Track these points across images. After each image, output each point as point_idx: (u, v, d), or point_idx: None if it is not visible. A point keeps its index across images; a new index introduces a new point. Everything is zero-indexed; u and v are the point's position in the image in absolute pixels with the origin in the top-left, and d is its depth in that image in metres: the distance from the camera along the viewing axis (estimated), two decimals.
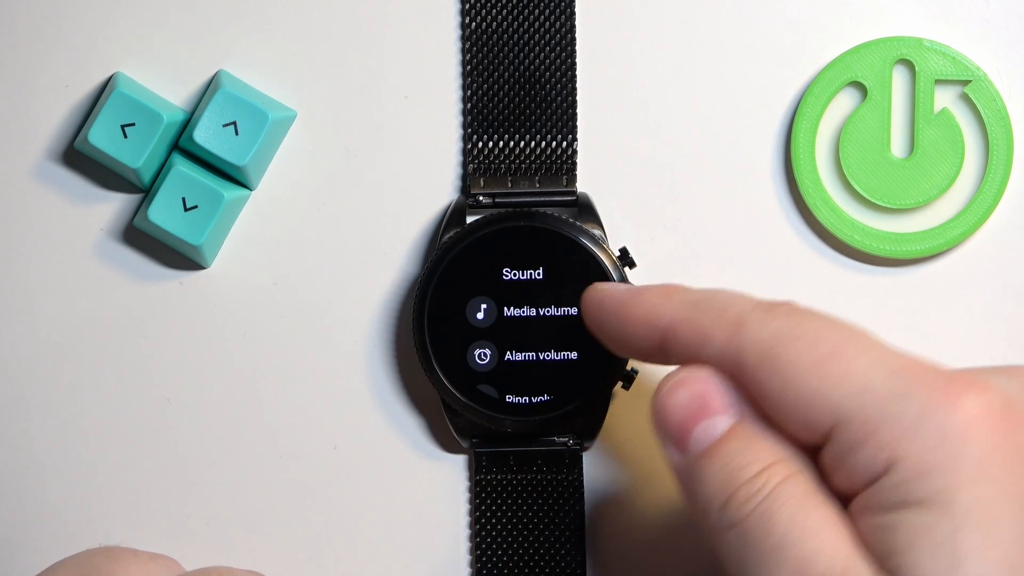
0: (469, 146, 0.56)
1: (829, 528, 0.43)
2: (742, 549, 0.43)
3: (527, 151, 0.56)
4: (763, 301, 0.46)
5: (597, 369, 0.54)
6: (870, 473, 0.42)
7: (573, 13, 0.56)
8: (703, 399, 0.45)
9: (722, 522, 0.44)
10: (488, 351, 0.55)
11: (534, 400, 0.54)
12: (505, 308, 0.54)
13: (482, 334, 0.54)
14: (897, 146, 0.56)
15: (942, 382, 0.43)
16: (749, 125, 0.57)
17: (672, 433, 0.46)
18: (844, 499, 0.44)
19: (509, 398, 0.54)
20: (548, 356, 0.54)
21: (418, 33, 0.57)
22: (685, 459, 0.46)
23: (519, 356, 0.55)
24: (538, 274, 0.54)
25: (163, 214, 0.55)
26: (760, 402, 0.45)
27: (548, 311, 0.54)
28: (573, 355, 0.54)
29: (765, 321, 0.45)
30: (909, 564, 0.41)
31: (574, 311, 0.54)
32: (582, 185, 0.57)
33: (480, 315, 0.54)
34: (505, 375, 0.54)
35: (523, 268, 0.54)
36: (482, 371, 0.54)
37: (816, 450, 0.44)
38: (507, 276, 0.54)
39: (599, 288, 0.50)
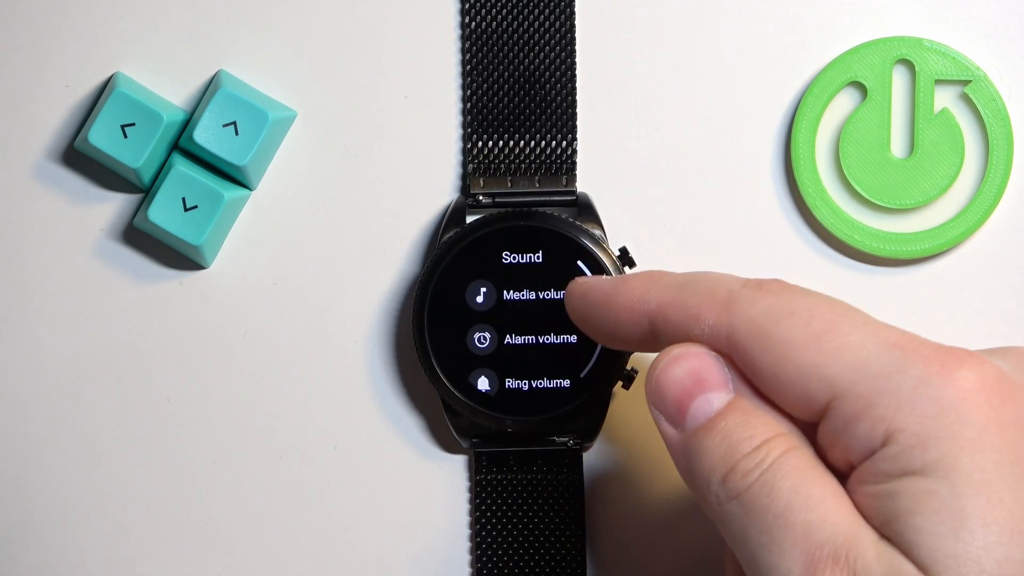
0: (469, 146, 0.56)
1: (832, 497, 0.43)
2: (745, 520, 0.43)
3: (527, 151, 0.56)
4: (751, 279, 0.46)
5: (597, 360, 0.54)
6: (869, 445, 0.43)
7: (573, 13, 0.56)
8: (700, 374, 0.45)
9: (724, 494, 0.44)
10: (488, 335, 0.55)
11: (534, 383, 0.54)
12: (505, 292, 0.55)
13: (482, 317, 0.55)
14: (897, 146, 0.56)
15: (937, 355, 0.43)
16: (749, 125, 0.57)
17: (669, 408, 0.46)
18: (840, 476, 0.44)
19: (509, 382, 0.54)
20: (548, 339, 0.54)
21: (418, 33, 0.57)
22: (682, 434, 0.46)
23: (519, 340, 0.55)
24: (538, 268, 0.55)
25: (163, 214, 0.55)
26: (754, 379, 0.45)
27: (547, 294, 0.55)
28: (572, 339, 0.54)
29: (755, 299, 0.45)
30: (912, 527, 0.41)
31: None
32: (582, 185, 0.57)
33: (480, 299, 0.55)
34: (505, 359, 0.54)
35: (522, 266, 0.55)
36: (482, 355, 0.54)
37: (811, 427, 0.44)
38: (507, 260, 0.55)
39: (583, 281, 0.50)
